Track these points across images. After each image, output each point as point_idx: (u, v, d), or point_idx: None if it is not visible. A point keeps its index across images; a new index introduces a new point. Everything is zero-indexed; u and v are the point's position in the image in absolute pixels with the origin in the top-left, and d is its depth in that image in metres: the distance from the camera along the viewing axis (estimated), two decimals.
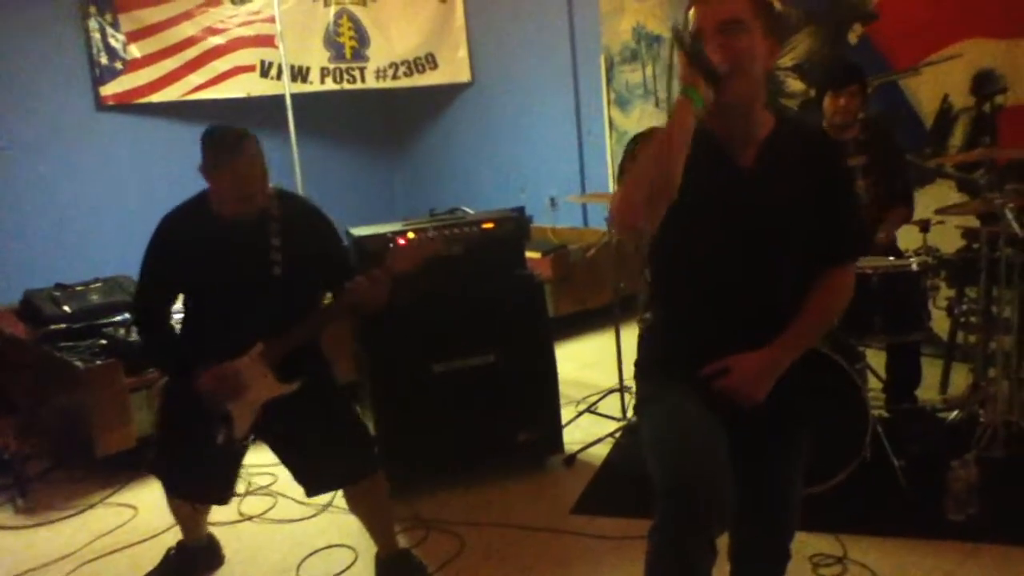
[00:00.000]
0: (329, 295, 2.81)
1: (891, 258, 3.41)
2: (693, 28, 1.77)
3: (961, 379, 3.97)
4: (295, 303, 2.66)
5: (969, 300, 3.78)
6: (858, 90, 3.69)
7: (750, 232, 1.82)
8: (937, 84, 4.47)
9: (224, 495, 2.83)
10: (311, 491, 2.83)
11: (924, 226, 3.59)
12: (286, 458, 2.80)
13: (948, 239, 3.86)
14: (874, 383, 3.61)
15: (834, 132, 3.74)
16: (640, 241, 1.87)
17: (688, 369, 1.88)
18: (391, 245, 2.65)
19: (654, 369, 2.00)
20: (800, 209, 1.84)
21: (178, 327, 2.79)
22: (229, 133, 2.53)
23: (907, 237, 3.74)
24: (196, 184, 2.67)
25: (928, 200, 4.19)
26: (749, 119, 1.84)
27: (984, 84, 4.32)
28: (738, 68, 1.73)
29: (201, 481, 2.75)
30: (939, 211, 3.61)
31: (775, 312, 1.88)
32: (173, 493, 2.85)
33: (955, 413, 3.58)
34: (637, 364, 2.08)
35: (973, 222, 3.78)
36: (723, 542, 2.08)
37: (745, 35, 1.75)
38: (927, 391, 3.86)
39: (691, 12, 1.80)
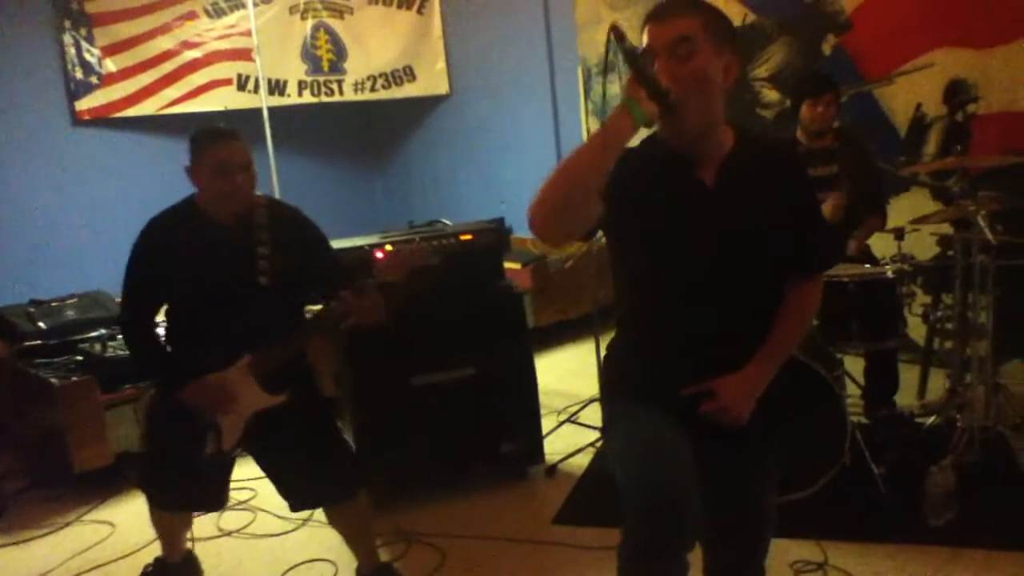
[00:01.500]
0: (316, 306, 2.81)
1: (867, 266, 3.44)
2: (644, 47, 1.74)
3: (938, 384, 4.00)
4: (282, 313, 2.66)
5: (945, 306, 3.81)
6: (833, 99, 3.74)
7: (714, 248, 1.80)
8: (910, 93, 4.52)
9: (217, 500, 2.81)
10: (295, 507, 2.81)
11: (899, 233, 3.62)
12: (273, 473, 2.78)
13: (923, 246, 3.90)
14: (852, 390, 3.64)
15: (810, 140, 3.79)
16: (560, 244, 1.84)
17: (657, 387, 1.87)
18: (377, 255, 2.66)
19: (622, 388, 1.98)
20: (764, 223, 1.83)
21: (163, 336, 2.76)
22: (217, 126, 2.60)
23: (883, 244, 3.77)
24: (174, 198, 2.67)
25: (903, 208, 4.24)
26: (709, 139, 1.82)
27: (956, 93, 4.37)
28: (690, 93, 1.70)
29: (191, 490, 2.72)
30: (914, 221, 3.65)
31: (742, 327, 1.88)
32: (161, 505, 2.81)
33: (933, 418, 3.60)
34: (604, 385, 2.07)
35: (948, 229, 3.82)
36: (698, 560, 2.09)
37: (697, 55, 1.72)
38: (905, 397, 3.89)
39: (645, 31, 1.76)
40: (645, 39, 1.75)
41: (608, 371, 2.07)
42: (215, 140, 2.55)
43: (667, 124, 1.75)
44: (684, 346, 1.86)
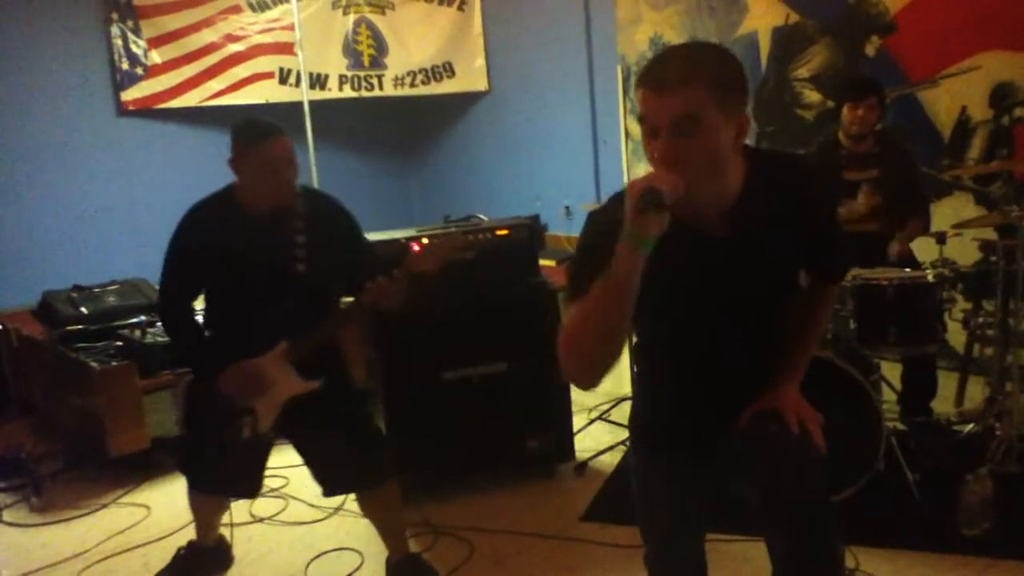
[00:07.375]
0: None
1: (907, 270, 3.39)
2: (639, 115, 1.58)
3: (977, 392, 3.92)
4: (319, 301, 2.69)
5: (985, 313, 3.75)
6: (876, 102, 3.69)
7: (735, 297, 1.74)
8: (955, 96, 4.45)
9: (252, 488, 2.85)
10: (328, 491, 2.85)
11: (941, 238, 3.56)
12: (308, 457, 2.82)
13: (965, 251, 3.84)
14: (889, 395, 3.59)
15: (851, 143, 3.75)
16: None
17: (675, 439, 1.89)
18: (413, 248, 2.69)
19: (640, 440, 2.02)
20: (785, 254, 1.77)
21: (201, 322, 2.81)
22: (262, 121, 2.61)
23: (924, 249, 3.72)
24: (215, 189, 2.70)
25: (945, 212, 4.18)
26: (717, 195, 1.65)
27: (1002, 97, 4.29)
28: (698, 170, 1.53)
29: (229, 474, 2.77)
30: (956, 226, 3.60)
31: (764, 353, 1.85)
32: (200, 488, 2.86)
33: (970, 426, 3.54)
34: (629, 427, 2.11)
35: (991, 234, 3.76)
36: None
37: (704, 133, 1.51)
38: (942, 404, 3.83)
39: (639, 95, 1.57)
40: (641, 104, 1.57)
41: (632, 411, 2.10)
42: (263, 137, 2.55)
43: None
44: (707, 391, 1.84)
